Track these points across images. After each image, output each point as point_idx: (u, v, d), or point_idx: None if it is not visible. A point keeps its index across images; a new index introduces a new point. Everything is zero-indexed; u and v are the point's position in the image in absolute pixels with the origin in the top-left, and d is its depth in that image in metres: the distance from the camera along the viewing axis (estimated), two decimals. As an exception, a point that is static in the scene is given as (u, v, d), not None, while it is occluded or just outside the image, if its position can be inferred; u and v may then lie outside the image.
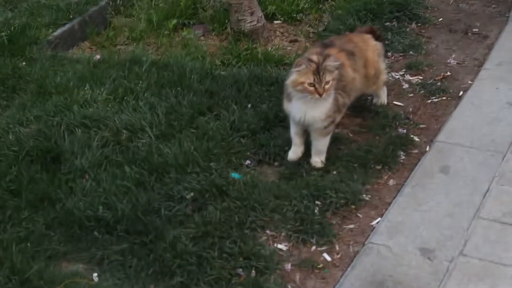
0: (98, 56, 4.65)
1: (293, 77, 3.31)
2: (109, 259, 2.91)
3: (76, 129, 3.81)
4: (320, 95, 3.28)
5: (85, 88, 4.16)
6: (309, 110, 3.35)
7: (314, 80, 3.24)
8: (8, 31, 4.73)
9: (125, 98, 4.05)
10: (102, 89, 4.12)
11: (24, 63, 4.51)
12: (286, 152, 3.57)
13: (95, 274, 2.87)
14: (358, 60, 3.52)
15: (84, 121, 3.84)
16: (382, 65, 3.75)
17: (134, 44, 4.68)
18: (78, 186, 3.37)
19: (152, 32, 4.77)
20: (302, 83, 3.26)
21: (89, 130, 3.80)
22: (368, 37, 3.84)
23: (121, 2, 5.12)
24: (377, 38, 3.88)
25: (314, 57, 3.35)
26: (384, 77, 3.76)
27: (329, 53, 3.42)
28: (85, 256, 2.96)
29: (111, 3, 4.97)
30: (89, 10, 4.95)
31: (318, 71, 3.25)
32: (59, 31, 4.76)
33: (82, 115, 3.90)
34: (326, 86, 3.28)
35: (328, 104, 3.37)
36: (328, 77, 3.27)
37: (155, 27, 4.79)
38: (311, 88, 3.26)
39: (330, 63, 3.30)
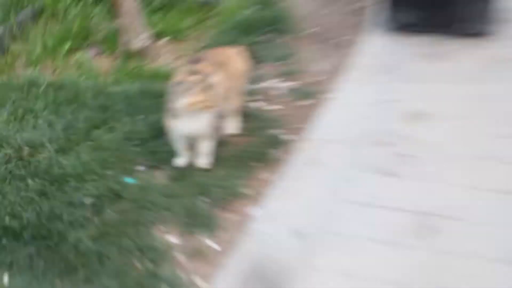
0: None
1: (188, 100, 3.34)
2: (18, 263, 2.96)
3: (-20, 149, 3.71)
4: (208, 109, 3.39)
5: (-13, 111, 4.04)
6: (195, 124, 3.47)
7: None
8: None
9: (25, 117, 4.07)
10: (3, 111, 4.09)
11: None
12: (175, 156, 3.67)
13: (5, 278, 2.92)
14: (224, 73, 3.58)
15: (-13, 141, 3.69)
16: (244, 85, 3.83)
17: (32, 67, 4.67)
18: (-15, 200, 3.28)
19: (48, 56, 4.77)
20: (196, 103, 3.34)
21: (-7, 149, 3.72)
22: (236, 52, 3.91)
23: (17, 29, 5.09)
24: (246, 55, 3.92)
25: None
26: (241, 99, 3.83)
27: (199, 69, 3.48)
28: (-5, 263, 2.89)
29: (7, 31, 4.96)
30: None
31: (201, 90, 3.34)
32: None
33: (-16, 136, 3.76)
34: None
35: (209, 117, 3.47)
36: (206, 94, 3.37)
37: (50, 51, 4.80)
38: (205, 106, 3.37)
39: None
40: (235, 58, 3.81)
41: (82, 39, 4.90)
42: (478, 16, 4.77)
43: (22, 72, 4.58)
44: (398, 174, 3.54)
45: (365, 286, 2.86)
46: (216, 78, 3.42)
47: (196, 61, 3.61)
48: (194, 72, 3.35)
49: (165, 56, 4.71)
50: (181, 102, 3.32)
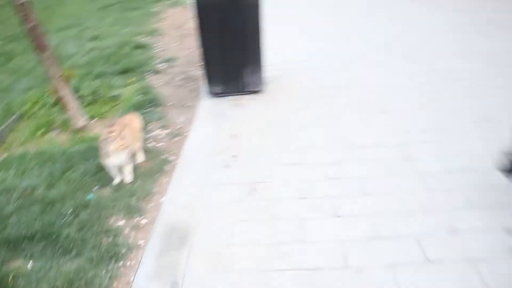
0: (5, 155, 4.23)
1: (112, 147, 3.23)
2: (34, 254, 2.82)
3: None
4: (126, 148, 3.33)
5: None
6: (119, 159, 3.33)
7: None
8: None
9: (27, 172, 3.78)
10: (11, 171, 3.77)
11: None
12: (112, 179, 3.48)
13: (30, 264, 2.74)
14: (129, 128, 3.44)
15: None
16: (142, 133, 3.69)
17: (23, 146, 4.38)
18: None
19: (31, 138, 4.51)
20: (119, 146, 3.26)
21: None
22: (134, 115, 3.75)
23: (12, 125, 4.72)
24: (140, 118, 3.78)
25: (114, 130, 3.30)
26: (141, 142, 3.69)
27: (114, 129, 3.31)
28: None
29: (6, 127, 4.64)
30: None
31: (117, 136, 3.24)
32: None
33: None
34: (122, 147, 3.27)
35: (126, 153, 3.36)
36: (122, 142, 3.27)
37: (32, 135, 4.55)
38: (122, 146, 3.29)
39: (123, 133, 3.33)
40: (134, 119, 3.63)
41: (48, 126, 4.59)
42: (256, 82, 4.76)
43: (18, 149, 4.22)
44: (231, 166, 3.54)
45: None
46: (125, 132, 3.31)
47: (111, 125, 3.39)
48: (111, 131, 3.22)
49: (97, 128, 4.45)
50: (110, 147, 3.19)
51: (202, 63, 4.62)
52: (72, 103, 4.41)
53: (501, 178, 2.90)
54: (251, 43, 4.49)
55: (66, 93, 4.36)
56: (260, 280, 2.37)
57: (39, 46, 4.10)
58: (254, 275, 2.39)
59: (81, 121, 4.49)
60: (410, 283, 2.30)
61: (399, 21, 7.37)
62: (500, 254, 2.44)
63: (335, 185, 3.14)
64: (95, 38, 7.66)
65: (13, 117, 4.89)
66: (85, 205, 3.14)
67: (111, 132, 3.22)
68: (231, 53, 4.53)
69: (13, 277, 2.58)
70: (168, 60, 6.36)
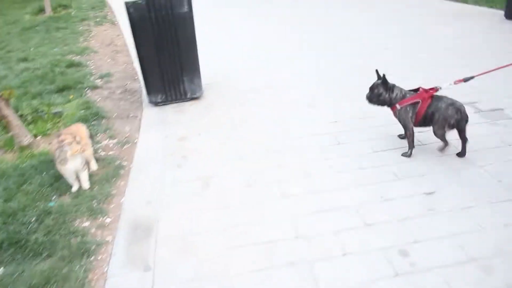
0: None
1: (69, 152, 3.34)
2: (4, 260, 2.90)
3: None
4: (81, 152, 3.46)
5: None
6: (75, 164, 3.43)
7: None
8: None
9: None
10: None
11: None
12: (71, 186, 3.57)
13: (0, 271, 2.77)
14: (79, 136, 3.55)
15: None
16: (89, 141, 3.79)
17: None
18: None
19: None
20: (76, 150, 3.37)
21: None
22: (79, 125, 3.85)
23: None
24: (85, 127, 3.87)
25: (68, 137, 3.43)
26: (91, 149, 3.77)
27: (62, 138, 3.42)
28: None
29: None
30: None
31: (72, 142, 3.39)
32: None
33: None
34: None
35: (82, 158, 3.48)
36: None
37: None
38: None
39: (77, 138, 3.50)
40: (80, 127, 3.75)
41: None
42: (194, 89, 5.08)
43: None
44: (182, 165, 3.79)
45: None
46: (77, 138, 3.49)
47: (59, 135, 3.49)
48: (61, 140, 3.39)
49: (42, 145, 4.49)
50: (68, 153, 3.31)
51: (142, 74, 4.88)
52: (16, 122, 4.45)
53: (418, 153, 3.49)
54: (187, 53, 4.80)
55: (8, 113, 4.41)
56: (223, 256, 2.67)
57: (-22, 68, 4.14)
58: (218, 253, 2.66)
59: (26, 139, 4.52)
60: (353, 245, 2.72)
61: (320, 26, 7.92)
62: (423, 212, 2.97)
63: (279, 172, 3.52)
64: (23, 59, 7.58)
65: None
66: (48, 212, 3.20)
67: (63, 140, 3.38)
68: (169, 64, 4.81)
69: None
70: (104, 76, 6.47)
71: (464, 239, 2.63)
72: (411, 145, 3.44)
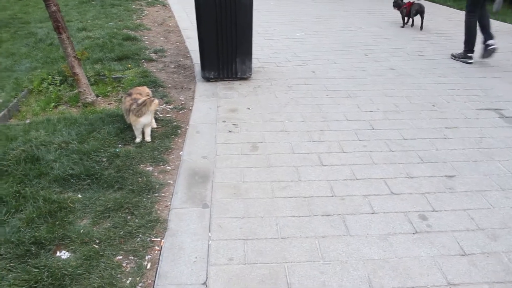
0: (28, 121, 4.69)
1: (151, 107, 3.78)
2: (83, 187, 3.44)
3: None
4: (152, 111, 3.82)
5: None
6: (147, 119, 3.83)
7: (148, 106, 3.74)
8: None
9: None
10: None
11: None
12: (134, 139, 3.95)
13: (79, 195, 3.34)
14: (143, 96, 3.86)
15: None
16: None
17: (35, 117, 4.77)
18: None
19: (43, 111, 4.89)
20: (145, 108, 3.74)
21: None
22: (145, 87, 4.21)
23: (22, 100, 5.17)
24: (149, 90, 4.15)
25: (140, 100, 3.81)
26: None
27: (134, 96, 3.83)
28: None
29: (17, 101, 5.04)
30: (8, 105, 4.95)
31: (148, 102, 3.77)
32: (-2, 116, 4.51)
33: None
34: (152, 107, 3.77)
35: (150, 116, 3.85)
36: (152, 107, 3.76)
37: (43, 108, 4.93)
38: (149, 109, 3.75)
39: (155, 101, 3.82)
40: (146, 89, 4.10)
41: (58, 100, 5.05)
42: (245, 70, 5.54)
43: (33, 118, 4.61)
44: (233, 131, 4.17)
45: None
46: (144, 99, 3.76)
47: (130, 93, 3.91)
48: (135, 98, 3.84)
49: (102, 104, 4.91)
50: (150, 107, 3.73)
51: (200, 51, 5.37)
52: (84, 81, 5.00)
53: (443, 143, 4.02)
54: (243, 37, 5.30)
55: (79, 72, 4.97)
56: (268, 203, 3.15)
57: (59, 28, 4.74)
58: (264, 200, 3.09)
59: (90, 97, 5.07)
60: (380, 206, 3.19)
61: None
62: (442, 190, 3.42)
63: (319, 146, 3.99)
64: (83, 29, 8.19)
65: (23, 92, 5.45)
66: (116, 155, 3.60)
67: (136, 98, 3.84)
68: (225, 45, 5.32)
69: (70, 201, 3.20)
70: (158, 51, 7.01)
71: (475, 213, 3.07)
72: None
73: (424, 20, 7.90)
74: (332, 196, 3.23)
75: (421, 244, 2.76)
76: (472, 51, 6.02)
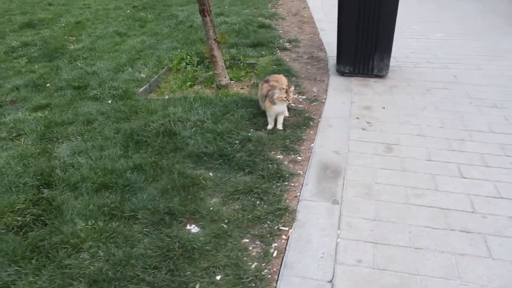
0: (166, 96, 5.01)
1: (277, 94, 3.77)
2: (215, 168, 3.55)
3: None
4: (289, 101, 3.86)
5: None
6: (281, 107, 3.90)
7: (287, 95, 3.78)
8: (121, 90, 5.10)
9: (191, 111, 4.45)
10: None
11: (133, 102, 4.77)
12: (266, 124, 4.05)
13: (211, 173, 3.40)
14: (281, 84, 3.87)
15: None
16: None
17: (172, 94, 5.05)
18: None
19: (179, 89, 5.16)
20: (281, 96, 3.77)
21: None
22: (282, 75, 4.27)
23: (161, 77, 5.51)
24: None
25: (284, 86, 3.84)
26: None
27: (272, 84, 3.88)
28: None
29: (158, 77, 5.38)
30: (150, 80, 5.28)
31: (287, 91, 3.79)
32: (141, 89, 5.03)
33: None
34: (290, 98, 3.81)
35: (285, 104, 3.89)
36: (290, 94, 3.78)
37: (179, 86, 5.20)
38: (285, 98, 3.81)
39: (291, 89, 3.83)
40: (283, 78, 4.15)
41: (194, 80, 5.28)
42: (382, 68, 5.27)
43: (170, 95, 4.89)
44: (367, 129, 4.07)
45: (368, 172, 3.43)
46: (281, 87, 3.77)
47: (267, 80, 3.98)
48: (272, 85, 3.87)
49: (234, 88, 5.05)
50: (277, 96, 3.74)
51: (337, 45, 5.26)
52: (221, 63, 5.16)
53: None
54: (384, 33, 5.06)
55: (217, 54, 5.12)
56: (401, 209, 2.96)
57: (204, 11, 4.91)
58: (397, 205, 2.94)
59: (224, 80, 5.22)
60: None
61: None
62: None
63: (459, 155, 3.64)
64: (220, 14, 8.51)
65: (163, 70, 5.80)
66: (248, 140, 3.72)
67: (274, 86, 3.87)
68: (365, 40, 5.14)
69: (203, 178, 3.31)
70: (292, 41, 7.04)
71: None
72: None
73: None
74: (473, 212, 2.95)
75: None
76: None
